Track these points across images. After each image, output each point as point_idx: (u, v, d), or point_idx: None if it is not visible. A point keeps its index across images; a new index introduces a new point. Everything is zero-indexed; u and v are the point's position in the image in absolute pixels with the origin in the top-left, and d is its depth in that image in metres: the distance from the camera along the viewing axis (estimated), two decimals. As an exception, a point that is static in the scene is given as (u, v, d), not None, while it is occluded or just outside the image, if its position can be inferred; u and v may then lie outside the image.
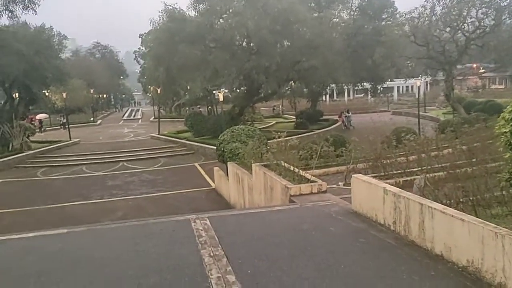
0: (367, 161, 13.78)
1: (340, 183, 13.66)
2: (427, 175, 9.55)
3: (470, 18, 28.10)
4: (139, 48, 79.88)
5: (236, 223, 8.55)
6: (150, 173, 25.71)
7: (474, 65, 62.85)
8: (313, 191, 10.45)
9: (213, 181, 21.17)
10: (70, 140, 37.90)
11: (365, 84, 43.38)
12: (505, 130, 5.76)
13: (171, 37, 30.54)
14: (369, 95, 60.77)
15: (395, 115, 46.15)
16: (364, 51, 32.21)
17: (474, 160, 9.55)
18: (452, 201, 7.88)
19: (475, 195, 7.39)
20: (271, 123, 42.75)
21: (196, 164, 27.31)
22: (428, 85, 79.33)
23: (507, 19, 27.32)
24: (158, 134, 38.71)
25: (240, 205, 15.19)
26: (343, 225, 8.09)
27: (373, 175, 12.14)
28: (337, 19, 30.97)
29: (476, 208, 7.16)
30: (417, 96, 76.87)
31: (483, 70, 53.86)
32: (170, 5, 30.89)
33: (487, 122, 21.64)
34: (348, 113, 39.15)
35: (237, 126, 18.66)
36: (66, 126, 42.75)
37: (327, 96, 73.20)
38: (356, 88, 75.36)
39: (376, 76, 36.36)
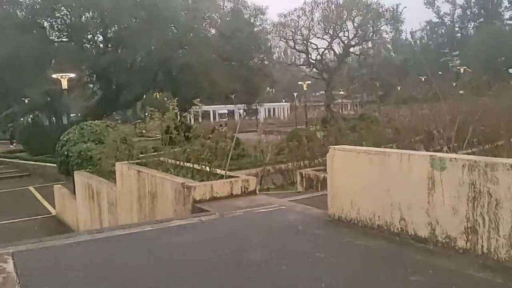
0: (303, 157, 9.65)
1: (253, 189, 9.28)
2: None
3: (351, 22, 27.04)
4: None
5: (88, 262, 3.50)
6: (-43, 201, 18.05)
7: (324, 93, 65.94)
8: (234, 192, 5.86)
9: (54, 207, 14.99)
10: None
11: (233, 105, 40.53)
12: None
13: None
14: (240, 115, 58.88)
15: (267, 134, 44.08)
16: (240, 57, 28.90)
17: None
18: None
19: None
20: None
21: (31, 188, 20.32)
22: (289, 109, 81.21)
23: (386, 25, 26.97)
24: (-20, 154, 29.72)
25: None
26: (342, 247, 3.70)
27: (317, 168, 8.11)
28: (213, 14, 27.21)
29: None
30: (283, 116, 77.68)
31: (342, 92, 55.83)
32: None
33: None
34: (226, 125, 35.91)
35: (90, 121, 13.12)
36: None
37: (192, 118, 69.35)
38: (221, 111, 73.22)
39: (252, 88, 33.29)
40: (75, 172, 11.33)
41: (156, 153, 8.87)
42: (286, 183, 9.90)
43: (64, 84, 19.54)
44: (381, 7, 26.59)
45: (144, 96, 32.12)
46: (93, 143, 11.68)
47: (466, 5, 79.79)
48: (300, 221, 4.46)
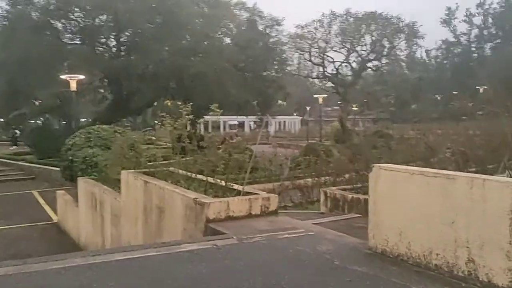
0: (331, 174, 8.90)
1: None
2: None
3: (369, 35, 26.42)
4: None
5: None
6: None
7: (339, 108, 65.06)
8: (253, 212, 5.13)
9: (56, 213, 14.32)
10: None
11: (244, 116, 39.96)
12: None
13: (11, 26, 23.17)
14: (250, 127, 58.25)
15: (279, 147, 43.41)
16: (254, 67, 28.32)
17: None
18: None
19: None
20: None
21: (35, 192, 19.64)
22: (300, 122, 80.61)
23: (403, 41, 26.29)
24: (-17, 156, 29.29)
25: (97, 246, 9.01)
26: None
27: (342, 187, 7.36)
28: (229, 22, 26.71)
29: None
30: (293, 130, 77.03)
31: (355, 108, 54.99)
32: None
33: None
34: (236, 136, 35.16)
35: (97, 126, 12.53)
36: None
37: (202, 128, 68.87)
38: (232, 122, 72.76)
39: (264, 100, 32.64)
40: (78, 178, 10.68)
41: (165, 161, 8.18)
42: (305, 201, 9.15)
43: (73, 86, 19.00)
44: (401, 21, 25.96)
45: (155, 103, 31.62)
46: (100, 148, 11.05)
47: (483, 25, 78.59)
48: (334, 253, 3.72)
